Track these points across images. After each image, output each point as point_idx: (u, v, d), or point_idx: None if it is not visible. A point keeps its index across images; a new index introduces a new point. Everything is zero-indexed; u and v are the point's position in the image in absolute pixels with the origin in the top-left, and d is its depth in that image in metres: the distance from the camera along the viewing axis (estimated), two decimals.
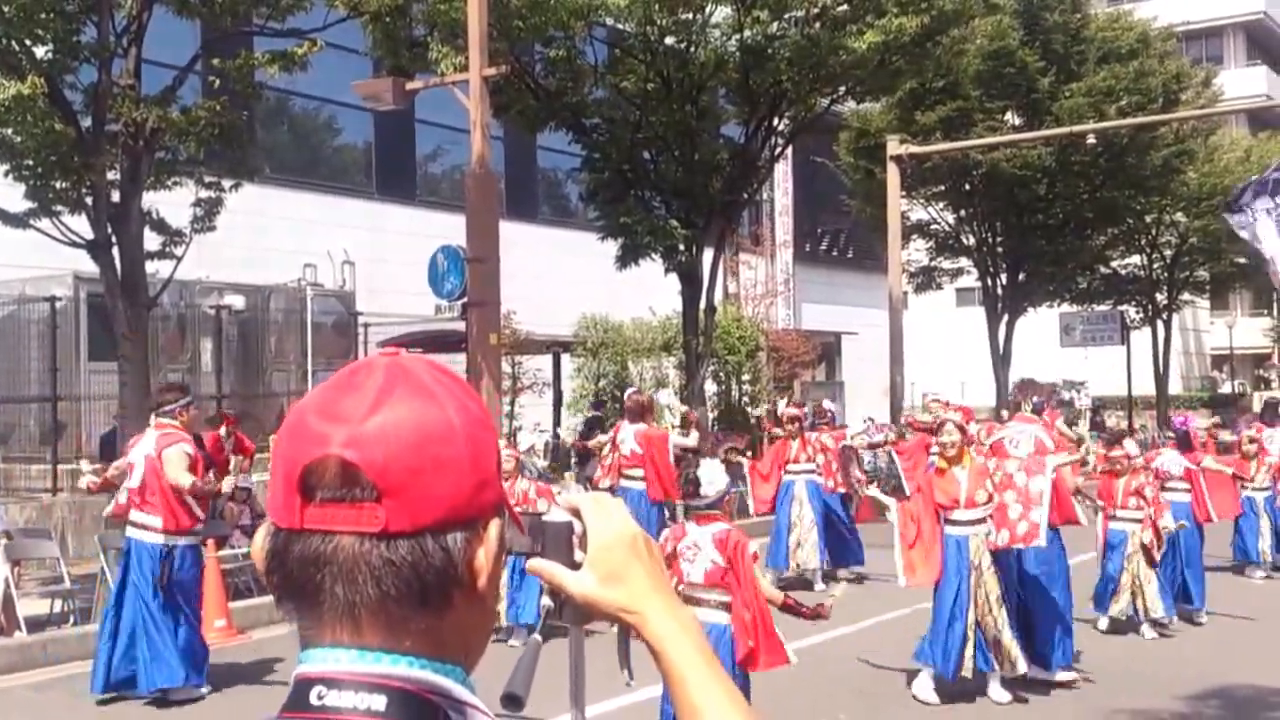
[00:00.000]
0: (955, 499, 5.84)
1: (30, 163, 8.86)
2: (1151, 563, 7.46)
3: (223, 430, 10.45)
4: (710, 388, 16.56)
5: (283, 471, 0.77)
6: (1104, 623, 7.60)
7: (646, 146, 14.06)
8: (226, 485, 7.03)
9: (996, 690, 5.95)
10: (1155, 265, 26.61)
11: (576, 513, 0.88)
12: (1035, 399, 7.22)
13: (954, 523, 5.91)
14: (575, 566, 0.87)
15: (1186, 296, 29.56)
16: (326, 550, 0.75)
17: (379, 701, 0.74)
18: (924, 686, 5.90)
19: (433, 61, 11.78)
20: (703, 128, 14.24)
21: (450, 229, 13.14)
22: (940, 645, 5.80)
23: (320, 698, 0.75)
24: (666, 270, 14.39)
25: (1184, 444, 8.74)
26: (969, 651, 5.79)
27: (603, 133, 13.99)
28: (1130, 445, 7.91)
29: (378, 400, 0.77)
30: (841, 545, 9.86)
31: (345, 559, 0.75)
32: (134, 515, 6.26)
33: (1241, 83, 35.39)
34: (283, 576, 0.78)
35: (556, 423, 17.09)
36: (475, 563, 0.78)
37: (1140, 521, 7.48)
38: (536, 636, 0.92)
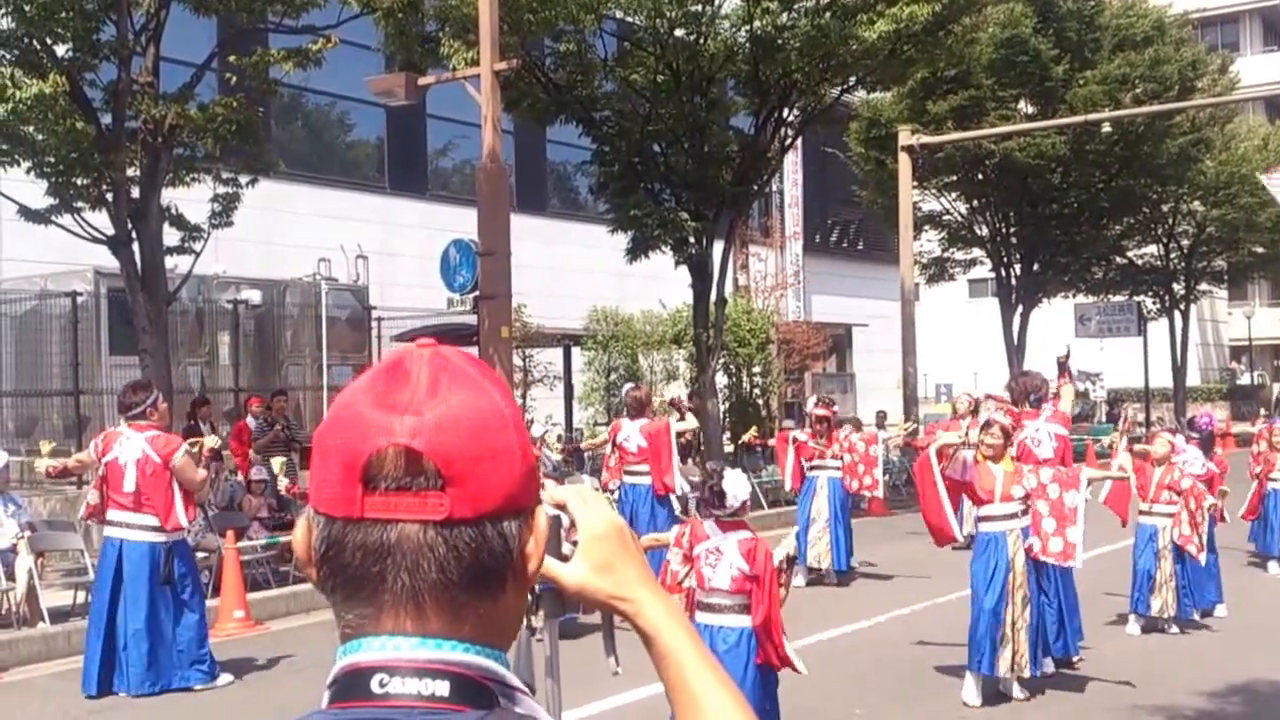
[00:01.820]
0: (990, 492, 5.86)
1: (52, 160, 9.00)
2: (1182, 559, 7.36)
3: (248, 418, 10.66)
4: (721, 380, 16.60)
5: (340, 462, 0.77)
6: (1135, 627, 7.44)
7: (656, 139, 14.08)
8: (210, 443, 7.09)
9: (1018, 689, 5.91)
10: (1172, 255, 26.34)
11: (562, 506, 0.90)
12: (1032, 396, 6.99)
13: (989, 518, 5.90)
14: (563, 559, 0.89)
15: (1204, 286, 29.29)
16: (389, 539, 0.76)
17: (442, 687, 0.76)
18: (970, 691, 5.86)
19: (444, 57, 11.87)
20: (712, 120, 14.24)
21: (461, 223, 13.23)
22: (978, 645, 5.79)
23: (382, 685, 0.76)
24: (676, 263, 14.42)
25: (1207, 445, 8.60)
26: (1009, 651, 5.79)
27: (612, 126, 14.02)
28: (1180, 441, 7.75)
29: (431, 390, 0.78)
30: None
31: (410, 547, 0.76)
32: (125, 516, 6.22)
33: (1258, 69, 35.00)
34: (339, 566, 0.78)
35: (569, 416, 17.19)
36: (526, 549, 0.80)
37: (1172, 517, 7.32)
38: (522, 628, 0.96)
